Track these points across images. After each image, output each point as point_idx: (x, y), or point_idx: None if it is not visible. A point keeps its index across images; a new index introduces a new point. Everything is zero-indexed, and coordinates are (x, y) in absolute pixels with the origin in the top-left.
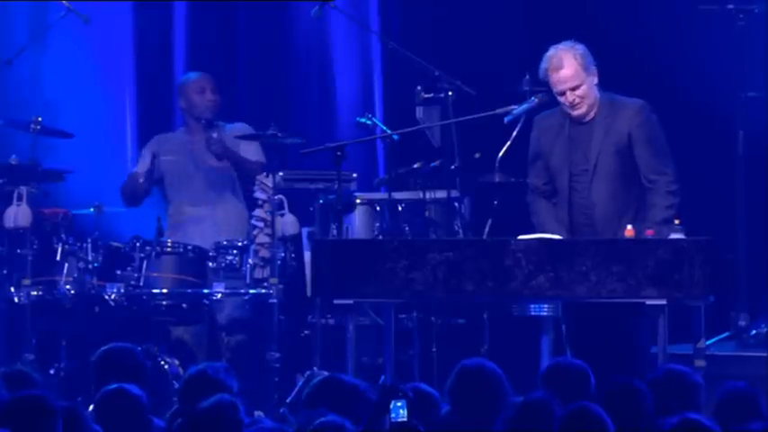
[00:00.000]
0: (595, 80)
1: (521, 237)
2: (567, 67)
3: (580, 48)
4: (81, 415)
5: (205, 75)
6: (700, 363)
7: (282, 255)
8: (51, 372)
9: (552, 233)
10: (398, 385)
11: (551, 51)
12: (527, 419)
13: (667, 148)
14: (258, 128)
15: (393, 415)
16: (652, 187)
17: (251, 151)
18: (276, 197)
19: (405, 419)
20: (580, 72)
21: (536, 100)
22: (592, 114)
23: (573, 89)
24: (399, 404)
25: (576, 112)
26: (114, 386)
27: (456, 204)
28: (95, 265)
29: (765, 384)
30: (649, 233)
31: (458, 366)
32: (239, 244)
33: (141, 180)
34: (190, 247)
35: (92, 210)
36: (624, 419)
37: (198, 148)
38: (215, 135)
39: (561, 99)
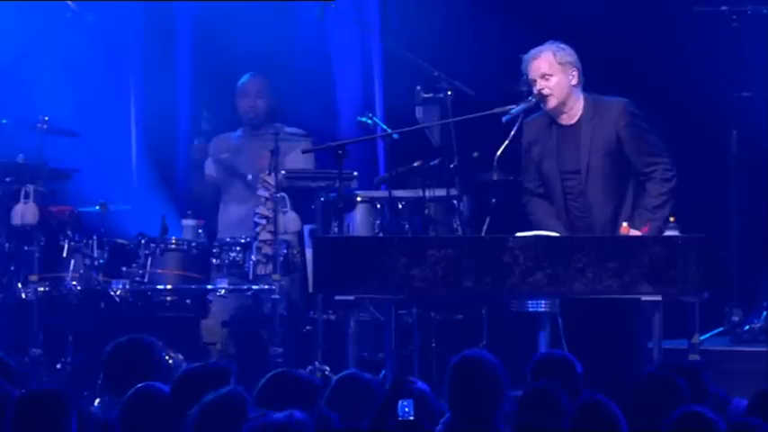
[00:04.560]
0: (573, 81)
1: (518, 234)
2: (543, 58)
3: (564, 47)
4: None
5: (254, 77)
6: (694, 357)
7: (284, 251)
8: (58, 366)
9: (550, 230)
10: (406, 382)
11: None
12: (534, 408)
13: (658, 139)
14: None
15: (399, 413)
16: (647, 178)
17: (298, 160)
18: (278, 195)
19: (411, 418)
20: (554, 64)
21: (533, 100)
22: (576, 117)
23: (543, 77)
24: (406, 403)
25: (546, 106)
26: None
27: (455, 202)
28: (101, 261)
29: (764, 379)
30: (645, 230)
31: (455, 357)
32: (242, 241)
33: (208, 184)
34: (193, 244)
35: (97, 207)
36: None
37: (249, 150)
38: (269, 179)
39: (534, 89)
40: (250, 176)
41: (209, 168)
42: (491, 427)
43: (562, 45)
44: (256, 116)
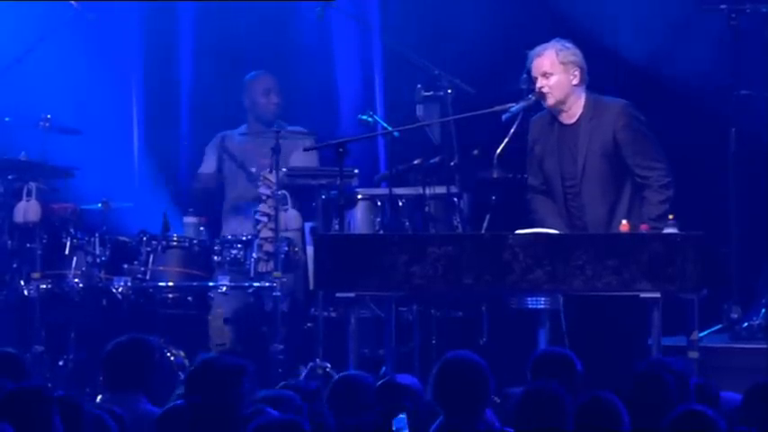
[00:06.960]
0: (575, 80)
1: (518, 231)
2: (546, 56)
3: (568, 46)
4: (79, 405)
5: (269, 75)
6: (693, 354)
7: (285, 249)
8: (60, 363)
9: (551, 228)
10: (398, 399)
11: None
12: (535, 407)
13: (656, 143)
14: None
15: (395, 429)
16: (645, 183)
17: (302, 159)
18: (279, 193)
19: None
20: (555, 63)
21: (533, 98)
22: (576, 116)
23: (544, 75)
24: (401, 417)
25: (545, 103)
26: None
27: (455, 200)
28: (103, 259)
29: (763, 376)
30: (644, 228)
31: (440, 360)
32: (243, 238)
33: (210, 179)
34: (195, 242)
35: (99, 205)
36: (648, 408)
37: (255, 147)
38: (270, 176)
39: (535, 87)
40: (254, 169)
41: (211, 166)
42: (477, 428)
43: (567, 44)
44: (275, 113)
